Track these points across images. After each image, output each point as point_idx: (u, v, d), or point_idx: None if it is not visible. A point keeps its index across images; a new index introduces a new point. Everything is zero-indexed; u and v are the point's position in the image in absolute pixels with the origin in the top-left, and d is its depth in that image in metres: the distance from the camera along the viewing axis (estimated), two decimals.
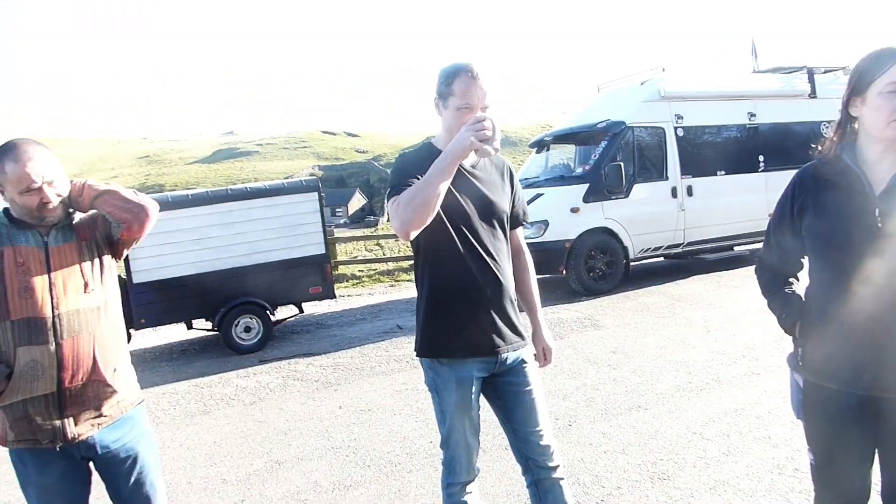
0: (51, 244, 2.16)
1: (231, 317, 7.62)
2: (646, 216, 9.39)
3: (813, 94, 10.66)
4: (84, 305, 2.15)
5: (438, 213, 2.23)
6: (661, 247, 9.70)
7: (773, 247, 2.12)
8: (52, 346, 2.06)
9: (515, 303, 2.48)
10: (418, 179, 2.16)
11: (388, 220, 35.46)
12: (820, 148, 1.97)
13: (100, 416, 2.18)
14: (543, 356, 2.65)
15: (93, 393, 2.15)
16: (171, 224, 7.41)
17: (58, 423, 2.10)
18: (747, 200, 9.96)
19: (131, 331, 7.38)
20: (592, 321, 7.34)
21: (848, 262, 1.83)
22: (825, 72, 11.05)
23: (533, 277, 2.66)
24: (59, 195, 2.16)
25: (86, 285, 2.18)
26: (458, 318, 2.33)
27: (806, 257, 2.05)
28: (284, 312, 8.63)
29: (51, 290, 2.10)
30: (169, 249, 7.43)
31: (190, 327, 8.36)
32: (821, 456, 2.03)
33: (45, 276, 2.11)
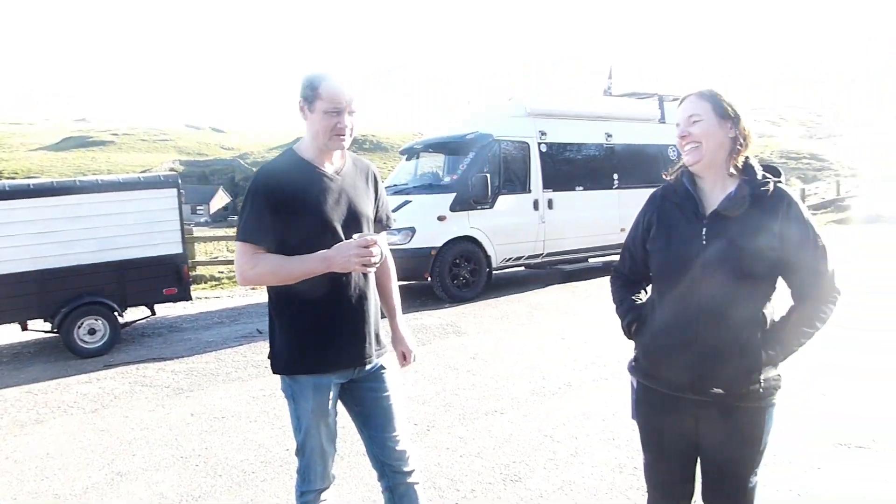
0: None
1: (73, 318, 7.06)
2: (509, 227, 9.70)
3: (662, 120, 11.51)
4: None
5: (299, 220, 2.22)
6: (522, 256, 10.06)
7: (627, 258, 2.30)
8: None
9: (378, 309, 2.49)
10: (274, 219, 2.21)
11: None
12: (669, 172, 2.19)
13: None
14: (404, 357, 2.68)
15: None
16: (7, 216, 6.80)
17: None
18: (602, 215, 10.56)
19: None
20: (455, 328, 7.48)
21: (678, 275, 2.03)
22: (673, 99, 11.93)
23: (394, 282, 2.67)
24: None
25: None
26: (321, 332, 2.30)
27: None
28: (135, 314, 8.12)
29: None
30: (3, 242, 6.80)
31: (25, 328, 7.65)
32: (651, 455, 2.21)
33: None
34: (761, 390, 1.98)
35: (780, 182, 2.02)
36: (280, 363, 2.36)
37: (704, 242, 1.98)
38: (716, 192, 2.05)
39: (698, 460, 2.14)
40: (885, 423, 4.10)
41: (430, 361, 6.06)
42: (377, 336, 2.43)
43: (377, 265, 2.24)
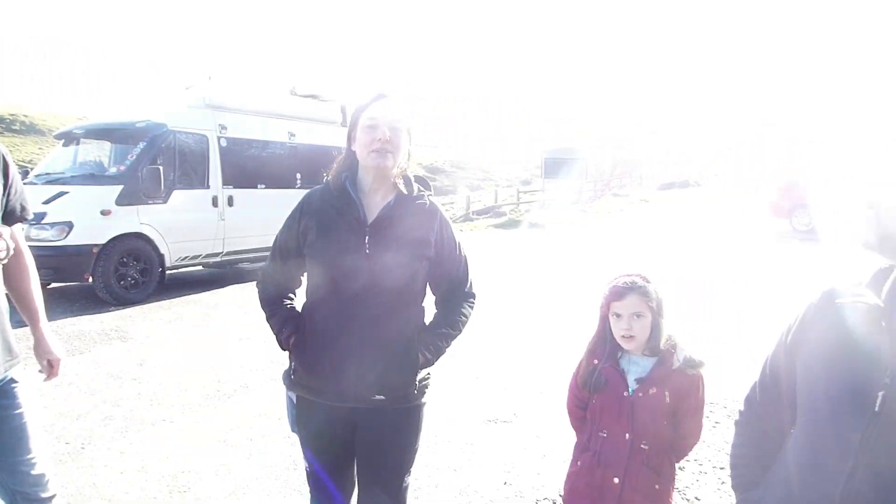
0: None
1: None
2: (185, 223, 9.14)
3: (344, 123, 11.86)
4: None
5: None
6: (199, 255, 9.55)
7: (279, 261, 2.19)
8: None
9: (6, 314, 2.15)
10: None
11: None
12: (328, 175, 2.14)
13: None
14: (50, 366, 2.37)
15: None
16: None
17: None
18: (285, 215, 10.44)
19: None
20: (120, 333, 6.81)
21: (340, 283, 2.00)
22: None
23: (34, 280, 2.35)
24: None
25: None
26: None
27: (306, 274, 2.17)
28: None
29: None
30: None
31: None
32: (313, 463, 2.17)
33: None
34: (416, 391, 2.09)
35: (431, 195, 2.16)
36: None
37: (368, 251, 1.98)
38: (377, 199, 2.06)
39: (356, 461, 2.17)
40: (523, 399, 4.75)
41: (88, 371, 5.42)
42: (7, 345, 2.10)
43: (3, 261, 1.93)
